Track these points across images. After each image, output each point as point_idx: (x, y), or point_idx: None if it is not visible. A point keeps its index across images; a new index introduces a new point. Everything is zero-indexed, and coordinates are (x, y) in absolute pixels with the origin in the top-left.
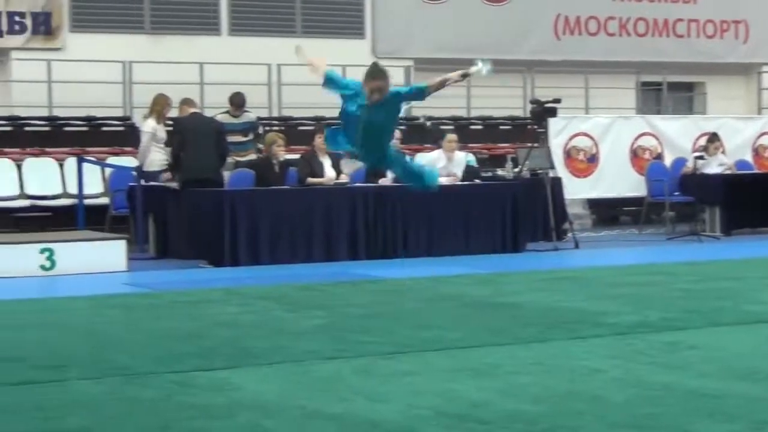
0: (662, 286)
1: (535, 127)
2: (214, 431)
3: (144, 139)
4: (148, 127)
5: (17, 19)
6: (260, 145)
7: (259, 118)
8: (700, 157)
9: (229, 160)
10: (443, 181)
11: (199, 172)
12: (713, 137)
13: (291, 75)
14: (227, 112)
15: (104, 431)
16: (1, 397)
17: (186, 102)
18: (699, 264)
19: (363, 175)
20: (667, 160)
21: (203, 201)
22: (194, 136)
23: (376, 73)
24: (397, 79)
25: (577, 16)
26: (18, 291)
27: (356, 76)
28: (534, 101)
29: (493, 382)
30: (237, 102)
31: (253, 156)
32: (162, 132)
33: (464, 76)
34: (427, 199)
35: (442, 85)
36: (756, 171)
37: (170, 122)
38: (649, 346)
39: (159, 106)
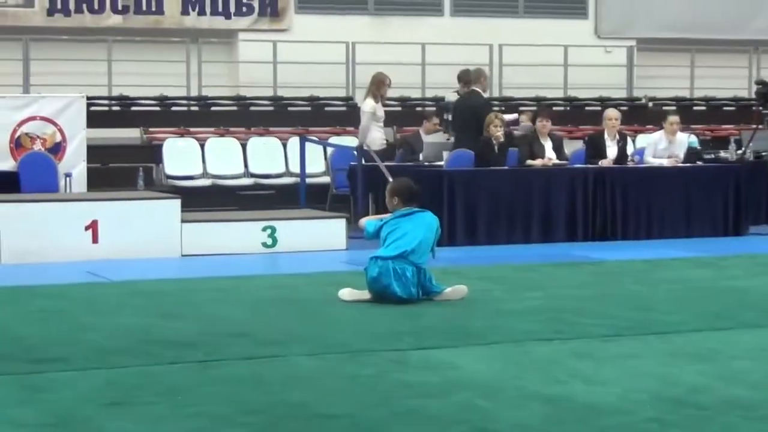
0: None
1: (760, 108)
2: (429, 409)
3: (364, 118)
4: (368, 106)
5: (245, 1)
6: None
7: None
8: None
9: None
10: (665, 162)
11: None
12: None
13: (513, 55)
14: (457, 90)
15: (323, 406)
16: (227, 371)
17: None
18: None
19: (582, 156)
20: None
21: (421, 181)
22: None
23: None
24: (619, 59)
25: None
26: (240, 268)
27: (578, 58)
28: (759, 82)
29: (712, 367)
30: (463, 78)
31: None
32: (381, 111)
33: None
34: (648, 181)
35: None
36: None
37: (390, 101)
38: None
39: (375, 86)
